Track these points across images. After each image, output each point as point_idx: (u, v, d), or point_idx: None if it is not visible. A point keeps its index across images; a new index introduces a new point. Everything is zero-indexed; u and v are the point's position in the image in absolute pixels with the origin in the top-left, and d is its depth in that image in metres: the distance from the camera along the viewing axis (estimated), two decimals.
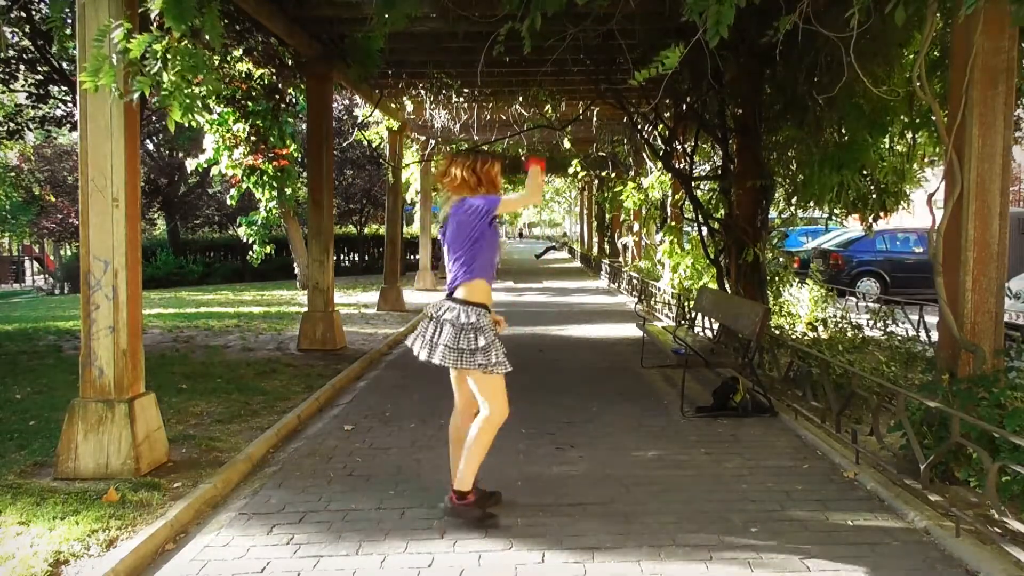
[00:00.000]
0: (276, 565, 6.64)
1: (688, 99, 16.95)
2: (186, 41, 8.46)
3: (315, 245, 17.31)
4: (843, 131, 13.36)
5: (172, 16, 8.22)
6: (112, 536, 6.94)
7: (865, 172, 13.22)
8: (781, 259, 18.78)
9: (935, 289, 8.65)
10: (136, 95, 8.33)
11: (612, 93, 18.39)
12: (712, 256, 16.67)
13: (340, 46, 16.64)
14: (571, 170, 32.10)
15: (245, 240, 29.11)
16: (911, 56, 11.76)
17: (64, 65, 25.59)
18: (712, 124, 16.54)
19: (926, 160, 14.90)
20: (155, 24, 8.36)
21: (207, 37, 8.90)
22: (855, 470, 8.73)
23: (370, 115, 25.72)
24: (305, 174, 23.28)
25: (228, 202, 30.53)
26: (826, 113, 13.20)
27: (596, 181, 40.70)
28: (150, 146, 42.82)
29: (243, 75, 19.10)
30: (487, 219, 7.19)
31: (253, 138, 23.93)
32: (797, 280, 20.33)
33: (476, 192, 7.37)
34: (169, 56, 8.24)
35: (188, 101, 8.59)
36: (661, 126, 19.46)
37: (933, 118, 9.71)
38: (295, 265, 35.06)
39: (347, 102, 37.12)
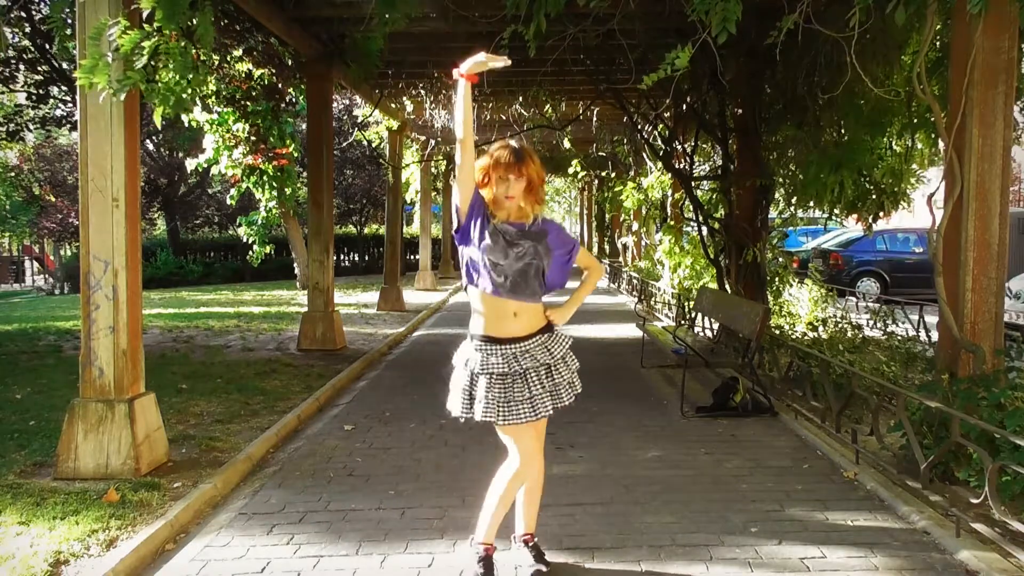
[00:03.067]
0: (276, 565, 6.65)
1: (688, 99, 16.95)
2: (183, 41, 8.47)
3: (315, 245, 17.31)
4: (842, 131, 13.37)
5: (163, 15, 8.23)
6: (112, 536, 6.96)
7: (864, 172, 13.23)
8: (780, 259, 18.78)
9: (935, 289, 8.66)
10: (125, 91, 8.33)
11: (612, 93, 18.37)
12: (712, 256, 16.67)
13: (340, 46, 16.63)
14: (571, 170, 32.09)
15: (245, 240, 29.10)
16: (911, 56, 11.76)
17: (64, 65, 25.57)
18: (712, 124, 16.55)
19: (926, 160, 14.91)
20: (152, 24, 8.36)
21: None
22: (855, 470, 8.73)
23: (370, 115, 25.72)
24: (305, 174, 23.25)
25: (228, 202, 30.53)
26: (825, 113, 13.22)
27: (596, 181, 40.69)
28: (150, 146, 42.74)
29: (243, 75, 19.10)
30: (459, 218, 6.09)
31: (253, 138, 23.95)
32: (797, 280, 20.33)
33: None
34: (161, 54, 8.25)
35: (172, 98, 8.60)
36: (661, 126, 19.47)
37: (932, 118, 9.71)
38: (295, 265, 35.09)
39: (347, 102, 37.10)
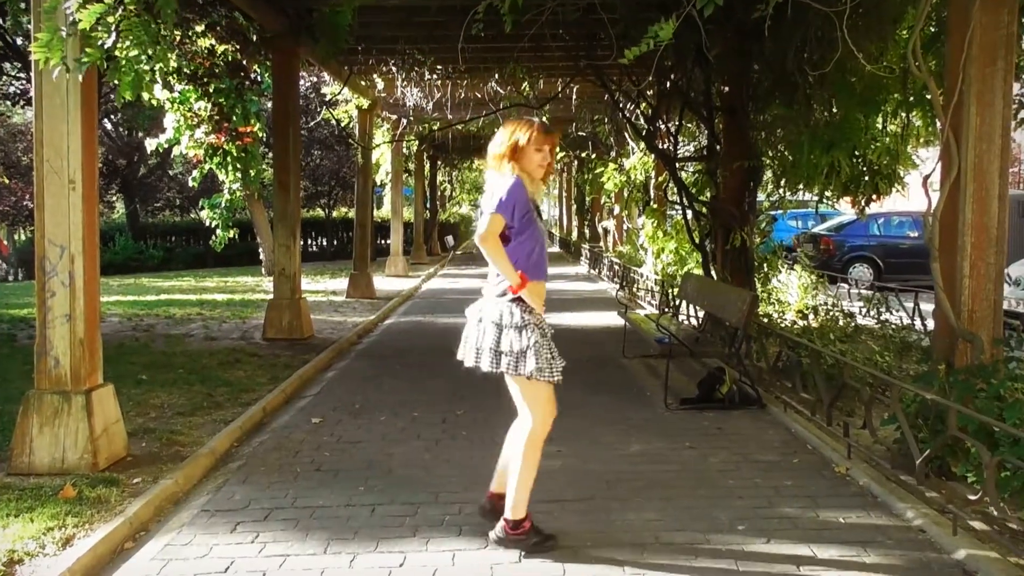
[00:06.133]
0: (240, 564, 6.61)
1: (672, 76, 16.90)
2: (144, 15, 8.41)
3: (281, 229, 17.27)
4: (834, 110, 13.36)
5: None
6: (68, 534, 6.90)
7: (857, 153, 13.22)
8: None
9: (931, 275, 8.66)
10: (83, 68, 8.27)
11: (592, 70, 18.35)
12: (697, 241, 16.63)
13: (307, 21, 16.55)
14: None
15: (208, 224, 28.97)
16: (906, 32, 11.76)
17: (18, 40, 25.42)
18: (697, 102, 16.49)
19: (921, 140, 14.92)
20: None
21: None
22: (847, 465, 8.72)
23: (339, 93, 25.67)
24: (271, 155, 23.16)
25: (190, 184, 30.40)
26: (816, 91, 13.20)
27: (576, 162, 40.77)
28: (108, 125, 42.60)
29: (205, 51, 19.03)
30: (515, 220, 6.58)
31: (216, 117, 23.85)
32: (786, 266, 20.34)
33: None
34: (122, 29, 8.19)
35: (137, 77, 8.55)
36: (644, 104, 19.46)
37: (928, 96, 9.71)
38: (260, 250, 34.99)
39: (314, 79, 37.00)
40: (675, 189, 17.12)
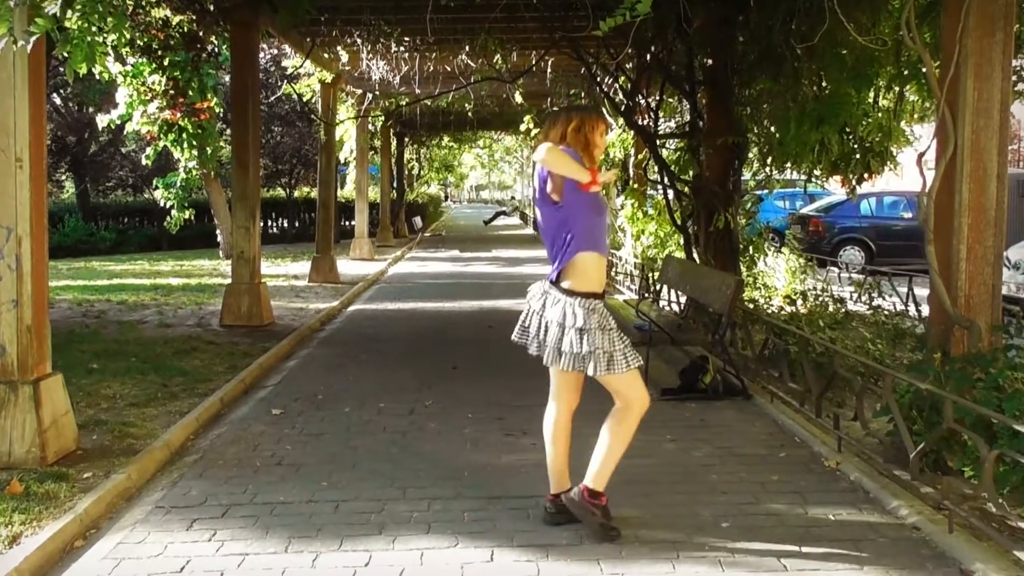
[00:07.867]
0: (197, 564, 6.57)
1: (652, 48, 16.86)
2: None
3: (240, 210, 17.19)
4: (823, 84, 13.36)
5: None
6: (15, 532, 6.86)
7: (847, 129, 13.22)
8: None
9: (926, 258, 8.64)
10: (33, 39, 8.18)
11: (568, 42, 18.27)
12: (679, 222, 16.62)
13: None
14: (523, 127, 32.04)
15: (162, 204, 28.76)
16: (899, 1, 11.75)
17: None
18: (679, 76, 16.48)
19: (916, 116, 14.91)
20: None
21: None
22: (837, 459, 8.73)
23: (300, 66, 25.57)
24: (228, 131, 23.03)
25: (143, 162, 30.25)
26: (805, 64, 13.19)
27: None
28: (57, 100, 42.26)
29: (160, 22, 18.92)
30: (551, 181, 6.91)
31: (171, 91, 23.73)
32: (773, 249, 20.35)
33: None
34: None
35: (90, 49, 8.47)
36: (623, 78, 19.43)
37: (923, 69, 9.70)
38: (218, 232, 34.87)
39: (275, 52, 36.82)
40: (656, 167, 17.09)
